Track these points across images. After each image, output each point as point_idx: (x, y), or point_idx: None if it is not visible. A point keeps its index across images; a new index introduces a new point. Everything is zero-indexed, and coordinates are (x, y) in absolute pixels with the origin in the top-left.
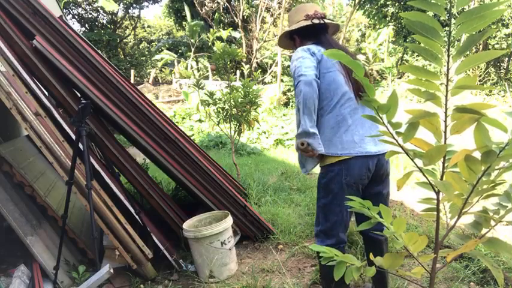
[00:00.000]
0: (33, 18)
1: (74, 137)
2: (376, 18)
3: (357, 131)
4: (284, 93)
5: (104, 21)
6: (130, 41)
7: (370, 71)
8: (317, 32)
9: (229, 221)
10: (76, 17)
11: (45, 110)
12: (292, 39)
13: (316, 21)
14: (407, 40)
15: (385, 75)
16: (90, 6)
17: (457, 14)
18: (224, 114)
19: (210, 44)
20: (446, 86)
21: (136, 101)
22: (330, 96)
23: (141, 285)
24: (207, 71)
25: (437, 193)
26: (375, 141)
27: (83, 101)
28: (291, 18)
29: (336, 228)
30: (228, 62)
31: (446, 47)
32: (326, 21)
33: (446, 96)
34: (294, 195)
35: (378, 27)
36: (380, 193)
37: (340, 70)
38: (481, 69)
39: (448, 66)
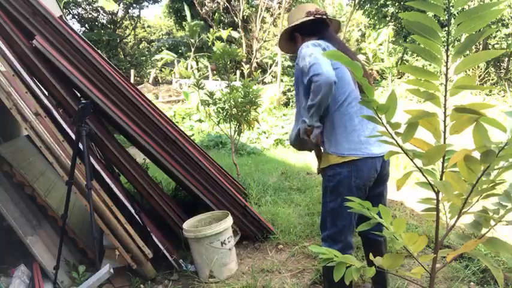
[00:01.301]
0: (33, 18)
1: (74, 137)
2: (376, 18)
3: (362, 131)
4: (284, 93)
5: (104, 21)
6: (130, 41)
7: (370, 71)
8: (320, 28)
9: (229, 221)
10: (76, 17)
11: (45, 110)
12: (294, 38)
13: (318, 16)
14: (407, 40)
15: (385, 75)
16: (90, 6)
17: (456, 14)
18: (224, 114)
19: (210, 44)
20: (445, 86)
21: (136, 101)
22: (337, 94)
23: (141, 285)
24: (207, 71)
25: (437, 193)
26: (379, 142)
27: (83, 101)
28: (292, 18)
29: (344, 233)
30: (228, 62)
31: (446, 46)
32: (328, 17)
33: (445, 96)
34: (294, 195)
35: (377, 27)
36: (381, 194)
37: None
38: (481, 69)
39: (447, 66)
